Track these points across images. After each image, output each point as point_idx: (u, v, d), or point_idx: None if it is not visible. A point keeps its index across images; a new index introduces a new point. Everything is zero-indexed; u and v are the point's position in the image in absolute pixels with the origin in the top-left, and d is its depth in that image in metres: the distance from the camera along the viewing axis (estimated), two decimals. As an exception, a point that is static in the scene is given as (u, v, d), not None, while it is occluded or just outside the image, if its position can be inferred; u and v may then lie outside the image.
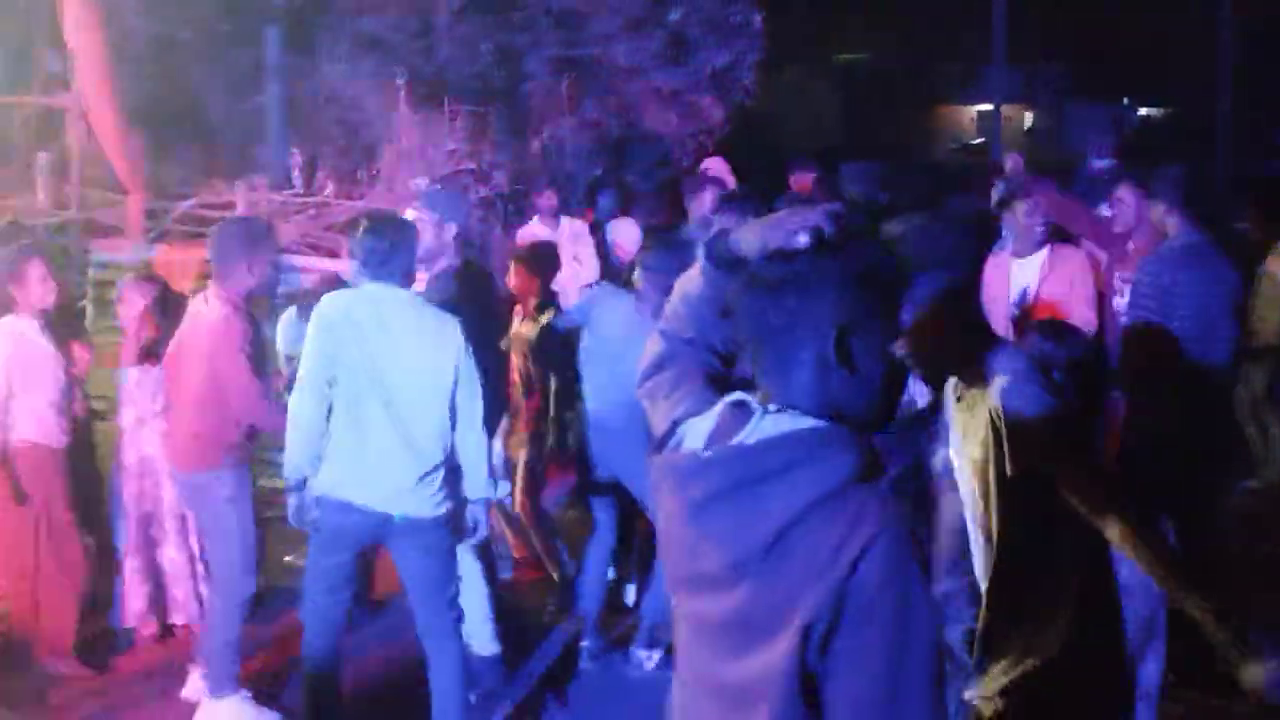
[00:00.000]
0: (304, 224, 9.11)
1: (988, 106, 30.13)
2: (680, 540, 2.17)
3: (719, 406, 2.19)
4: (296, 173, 13.18)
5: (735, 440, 2.09)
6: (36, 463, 5.74)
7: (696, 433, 2.21)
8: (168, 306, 6.10)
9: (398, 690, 5.71)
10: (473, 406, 4.87)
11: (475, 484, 4.96)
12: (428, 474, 4.79)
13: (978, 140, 35.39)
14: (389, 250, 4.78)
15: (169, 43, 12.93)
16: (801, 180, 10.52)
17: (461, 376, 4.82)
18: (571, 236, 9.65)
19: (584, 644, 6.06)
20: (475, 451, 4.92)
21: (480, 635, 5.73)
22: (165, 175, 11.70)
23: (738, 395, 2.18)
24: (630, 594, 6.67)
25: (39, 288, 5.76)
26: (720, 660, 2.13)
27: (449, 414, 4.82)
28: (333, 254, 9.78)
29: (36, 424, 5.73)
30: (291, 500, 4.93)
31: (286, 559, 6.77)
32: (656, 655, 5.95)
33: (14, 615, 5.88)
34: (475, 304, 5.53)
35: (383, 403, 4.72)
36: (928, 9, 32.90)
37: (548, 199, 9.82)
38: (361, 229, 4.91)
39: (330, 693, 5.05)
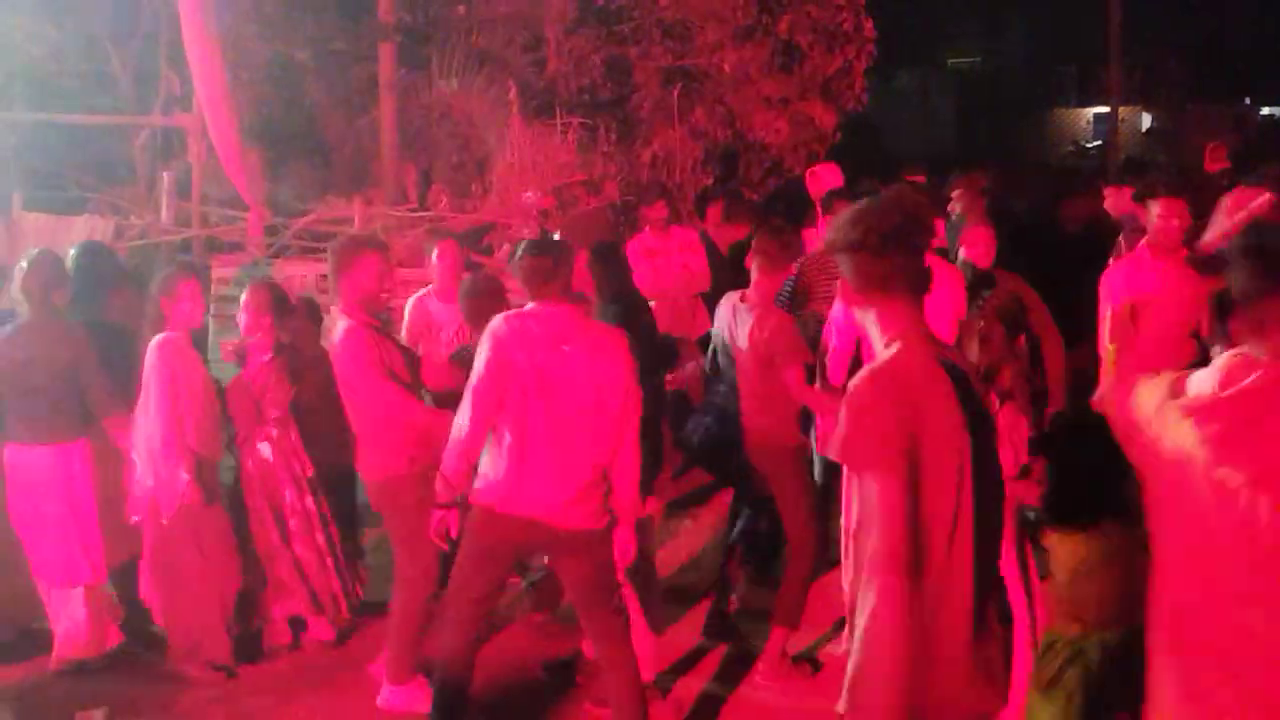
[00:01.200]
0: (420, 238, 9.20)
1: (1104, 108, 29.62)
2: (1200, 473, 2.61)
3: (1222, 359, 2.70)
4: (411, 187, 13.36)
5: (1247, 382, 2.59)
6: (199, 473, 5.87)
7: (1205, 381, 2.68)
8: (284, 315, 6.28)
9: (519, 696, 5.79)
10: (630, 424, 4.88)
11: (621, 501, 4.93)
12: (589, 487, 4.82)
13: (1095, 143, 34.77)
14: (552, 269, 4.86)
15: (286, 63, 13.20)
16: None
17: (626, 393, 4.85)
18: (682, 246, 9.63)
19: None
20: (626, 469, 4.90)
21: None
22: (283, 192, 11.92)
23: (1238, 349, 2.68)
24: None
25: (188, 305, 5.92)
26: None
27: (610, 430, 4.84)
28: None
29: (198, 436, 5.86)
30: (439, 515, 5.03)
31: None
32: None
33: (167, 627, 6.05)
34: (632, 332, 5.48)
35: (550, 418, 4.77)
36: (1042, 10, 32.47)
37: (657, 209, 9.79)
38: (523, 251, 4.98)
39: (460, 695, 5.10)
